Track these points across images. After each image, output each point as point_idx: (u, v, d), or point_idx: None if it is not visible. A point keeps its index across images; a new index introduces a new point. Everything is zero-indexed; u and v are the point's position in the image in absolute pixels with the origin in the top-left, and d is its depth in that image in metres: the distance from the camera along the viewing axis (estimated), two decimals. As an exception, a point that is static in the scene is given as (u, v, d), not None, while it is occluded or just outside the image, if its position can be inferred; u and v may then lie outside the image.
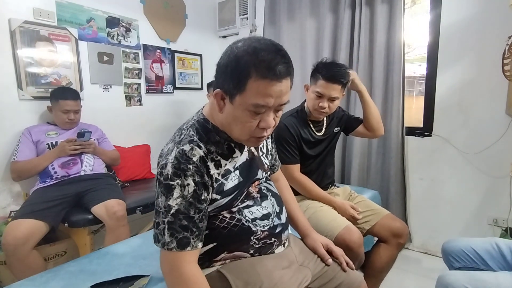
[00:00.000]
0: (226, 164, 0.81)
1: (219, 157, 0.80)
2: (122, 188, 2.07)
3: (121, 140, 2.40)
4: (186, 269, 0.72)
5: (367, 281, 1.02)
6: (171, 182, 0.71)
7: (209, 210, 0.79)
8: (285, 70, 0.69)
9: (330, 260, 0.97)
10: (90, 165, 1.91)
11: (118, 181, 2.13)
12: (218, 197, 0.79)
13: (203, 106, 0.87)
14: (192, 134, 0.78)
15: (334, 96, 1.35)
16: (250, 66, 0.67)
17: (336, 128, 1.57)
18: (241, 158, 0.86)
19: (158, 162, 0.77)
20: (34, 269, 1.41)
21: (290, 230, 1.00)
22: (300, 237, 1.07)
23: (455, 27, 1.95)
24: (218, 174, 0.79)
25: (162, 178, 0.73)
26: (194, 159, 0.73)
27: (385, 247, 1.42)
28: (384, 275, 1.48)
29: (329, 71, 1.33)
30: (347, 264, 0.99)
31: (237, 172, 0.83)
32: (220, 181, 0.79)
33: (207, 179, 0.75)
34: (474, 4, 1.88)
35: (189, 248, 0.72)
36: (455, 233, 2.07)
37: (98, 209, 1.64)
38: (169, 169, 0.72)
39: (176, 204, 0.71)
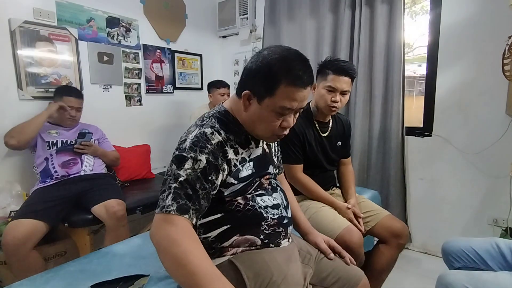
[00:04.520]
0: (242, 153, 0.88)
1: (237, 145, 0.86)
2: (122, 188, 2.07)
3: (121, 140, 2.40)
4: (172, 229, 0.69)
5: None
6: (185, 154, 0.75)
7: (225, 194, 0.84)
8: (310, 79, 0.80)
9: (332, 255, 1.01)
10: (90, 165, 1.91)
11: (118, 181, 2.13)
12: (235, 181, 0.84)
13: (222, 101, 0.96)
14: (214, 122, 0.85)
15: (346, 89, 1.37)
16: (281, 74, 0.77)
17: (339, 142, 1.57)
18: (256, 151, 0.92)
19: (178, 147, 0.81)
20: (34, 269, 1.41)
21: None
22: (301, 237, 1.09)
23: (455, 27, 1.95)
24: (236, 160, 0.85)
25: (177, 151, 0.77)
26: (213, 141, 0.79)
27: (385, 247, 1.41)
28: (385, 276, 1.47)
29: (338, 65, 1.36)
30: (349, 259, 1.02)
31: (251, 163, 0.89)
32: (238, 167, 0.85)
33: (220, 162, 0.80)
34: (474, 4, 1.88)
35: (187, 216, 0.72)
36: (455, 233, 2.07)
37: (98, 209, 1.64)
38: (187, 144, 0.77)
39: (185, 174, 0.74)
